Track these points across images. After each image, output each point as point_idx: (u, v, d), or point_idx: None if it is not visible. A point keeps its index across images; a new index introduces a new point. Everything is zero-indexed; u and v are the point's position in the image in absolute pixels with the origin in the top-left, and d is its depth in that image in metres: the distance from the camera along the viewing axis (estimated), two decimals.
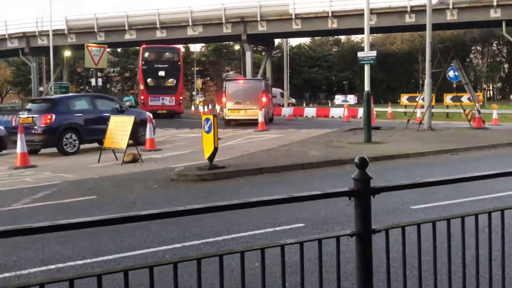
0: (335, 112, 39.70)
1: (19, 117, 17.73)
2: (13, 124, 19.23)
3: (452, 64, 24.10)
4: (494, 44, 73.97)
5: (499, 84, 76.60)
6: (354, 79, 70.25)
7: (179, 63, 42.69)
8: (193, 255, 2.51)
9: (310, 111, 42.43)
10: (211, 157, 11.49)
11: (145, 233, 6.54)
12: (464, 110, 24.62)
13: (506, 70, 73.52)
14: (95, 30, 51.21)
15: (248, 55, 50.94)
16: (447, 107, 34.19)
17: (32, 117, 16.94)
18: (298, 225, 6.79)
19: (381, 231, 2.93)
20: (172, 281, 2.41)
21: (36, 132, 16.59)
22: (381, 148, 15.04)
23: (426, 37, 21.92)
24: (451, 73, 24.65)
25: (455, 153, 14.73)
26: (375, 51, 18.33)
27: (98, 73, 26.83)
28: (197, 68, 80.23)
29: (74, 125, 17.02)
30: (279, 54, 71.07)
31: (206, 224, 6.87)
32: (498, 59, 75.75)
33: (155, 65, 41.46)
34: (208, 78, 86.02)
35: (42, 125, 16.58)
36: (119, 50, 75.70)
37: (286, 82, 58.95)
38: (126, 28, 50.91)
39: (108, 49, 31.64)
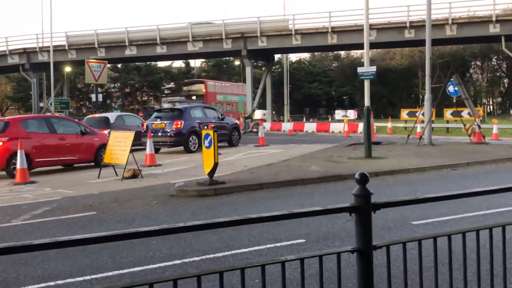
0: (335, 127, 39.73)
1: (152, 123, 21.33)
2: (144, 129, 21.31)
3: (452, 79, 24.19)
4: (493, 59, 74.21)
5: (499, 99, 76.76)
6: (354, 94, 70.42)
7: None
8: (193, 272, 2.50)
9: (310, 126, 42.47)
10: (211, 173, 11.48)
11: (145, 249, 6.51)
12: (464, 125, 24.65)
13: (506, 85, 73.72)
14: (96, 46, 51.45)
15: (248, 70, 51.12)
16: (447, 122, 34.24)
17: (165, 123, 21.01)
18: (298, 241, 6.76)
19: (382, 247, 2.92)
20: None
21: (169, 135, 20.81)
22: (382, 163, 15.03)
23: (426, 52, 22.01)
24: (451, 88, 24.76)
25: (455, 168, 14.72)
26: (375, 66, 18.39)
27: (99, 88, 26.92)
28: None
29: (195, 129, 20.83)
30: (279, 70, 71.33)
31: (206, 240, 6.85)
32: (498, 74, 75.97)
33: None
34: None
35: (174, 129, 20.76)
36: (119, 65, 75.97)
37: (286, 97, 59.11)
38: (127, 44, 51.14)
39: (109, 65, 31.79)
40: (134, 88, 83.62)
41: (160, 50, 51.20)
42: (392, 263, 2.97)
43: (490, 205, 8.16)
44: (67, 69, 57.54)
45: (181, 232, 2.47)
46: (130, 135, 14.21)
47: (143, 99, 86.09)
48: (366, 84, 17.75)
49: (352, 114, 48.08)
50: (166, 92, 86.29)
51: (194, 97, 51.45)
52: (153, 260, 6.09)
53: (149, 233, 2.48)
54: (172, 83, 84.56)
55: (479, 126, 23.11)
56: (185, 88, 58.10)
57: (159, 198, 10.72)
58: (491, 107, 75.13)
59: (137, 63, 72.68)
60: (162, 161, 17.53)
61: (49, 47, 46.95)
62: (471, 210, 7.99)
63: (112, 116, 24.30)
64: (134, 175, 13.77)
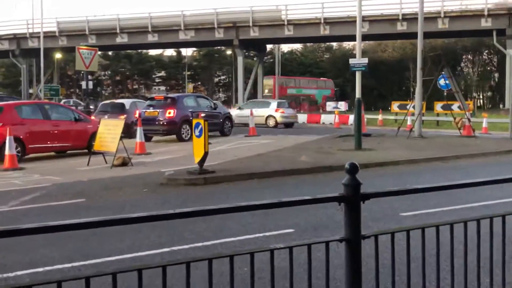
0: (326, 118, 39.76)
1: (145, 111, 21.17)
2: (135, 117, 20.98)
3: (443, 73, 24.28)
4: (484, 53, 74.50)
5: (489, 93, 77.12)
6: (345, 86, 70.46)
7: None
8: (182, 259, 2.50)
9: (301, 117, 42.47)
10: (201, 162, 11.46)
11: (133, 237, 6.51)
12: (455, 118, 24.77)
13: (497, 79, 74.00)
14: (87, 32, 51.09)
15: (240, 60, 51.01)
16: (438, 115, 34.37)
17: (157, 111, 20.94)
18: (287, 231, 6.78)
19: (370, 237, 2.93)
20: (160, 285, 2.40)
21: (161, 123, 20.75)
22: (372, 155, 15.08)
23: (418, 45, 22.04)
24: (442, 82, 24.87)
25: (445, 161, 14.80)
26: (367, 58, 18.39)
27: (89, 76, 26.72)
28: (189, 73, 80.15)
29: (188, 118, 20.38)
30: (271, 60, 71.14)
31: (195, 228, 6.85)
32: (488, 68, 76.28)
33: None
34: (199, 83, 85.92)
35: (166, 118, 20.66)
36: (110, 53, 75.48)
37: (278, 88, 59.02)
38: (118, 31, 50.83)
39: (99, 52, 31.59)
40: (125, 76, 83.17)
41: (151, 38, 50.94)
42: (380, 254, 2.99)
43: (478, 198, 8.22)
44: (58, 55, 57.12)
45: (170, 219, 2.47)
46: (120, 122, 14.15)
47: (134, 87, 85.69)
48: (358, 76, 17.77)
49: (343, 105, 48.14)
50: (157, 80, 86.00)
51: (266, 91, 55.65)
52: (142, 248, 6.08)
53: (137, 219, 2.47)
54: (163, 72, 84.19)
55: (469, 120, 23.24)
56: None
57: (149, 186, 10.71)
58: (481, 101, 75.50)
59: (128, 51, 72.25)
60: (152, 149, 17.48)
61: (39, 33, 46.65)
62: (459, 203, 8.05)
63: (127, 102, 24.69)
64: (124, 163, 13.73)
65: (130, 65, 78.71)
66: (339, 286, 4.35)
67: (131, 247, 6.12)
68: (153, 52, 79.79)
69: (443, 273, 3.29)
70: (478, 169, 13.51)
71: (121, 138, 13.63)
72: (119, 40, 51.77)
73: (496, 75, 73.09)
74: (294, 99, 55.68)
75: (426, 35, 25.14)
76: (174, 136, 21.10)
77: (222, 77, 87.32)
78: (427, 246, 3.13)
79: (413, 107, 23.41)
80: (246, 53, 56.49)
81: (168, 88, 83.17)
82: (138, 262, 5.50)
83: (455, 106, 29.24)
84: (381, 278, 3.03)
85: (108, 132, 14.11)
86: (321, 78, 64.94)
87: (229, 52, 71.31)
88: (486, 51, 73.34)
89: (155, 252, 5.93)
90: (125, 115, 20.43)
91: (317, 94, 60.74)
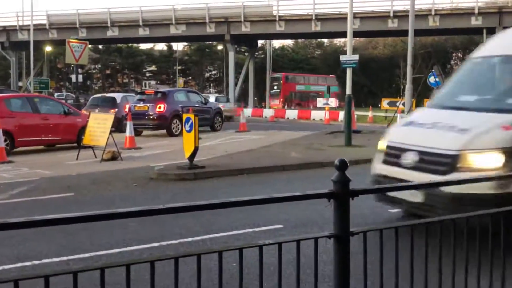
0: (316, 114, 39.85)
1: (134, 106, 21.12)
2: (126, 111, 20.97)
3: (433, 70, 24.37)
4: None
5: None
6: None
7: None
8: (170, 254, 2.50)
9: (291, 113, 42.55)
10: (192, 157, 11.44)
11: (122, 231, 6.49)
12: None
13: None
14: (77, 26, 50.73)
15: (231, 55, 50.92)
16: None
17: (147, 106, 20.94)
18: (277, 226, 6.80)
19: (359, 233, 2.94)
20: (149, 280, 2.39)
21: (151, 118, 20.68)
22: (361, 152, 15.11)
23: (408, 42, 22.10)
24: (431, 79, 24.93)
25: None
26: (357, 55, 18.43)
27: (79, 69, 26.59)
28: (179, 67, 79.93)
29: (178, 112, 20.14)
30: (262, 55, 71.08)
31: (184, 223, 6.84)
32: None
33: None
34: (190, 78, 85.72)
35: (156, 112, 20.62)
36: (100, 46, 75.06)
37: (269, 84, 59.01)
38: (109, 24, 50.51)
39: (90, 46, 31.40)
40: (115, 69, 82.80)
41: (142, 32, 50.68)
42: (368, 251, 3.00)
43: None
44: (48, 48, 56.68)
45: (159, 214, 2.46)
46: (110, 116, 14.10)
47: (124, 81, 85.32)
48: (348, 72, 17.79)
49: (333, 102, 48.23)
50: (147, 75, 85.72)
51: (275, 87, 57.51)
52: (130, 243, 6.07)
53: (127, 214, 2.46)
54: (154, 66, 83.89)
55: None
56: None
57: (138, 181, 10.68)
58: None
59: (119, 44, 71.90)
60: (142, 144, 17.43)
61: (29, 25, 46.25)
62: None
63: (118, 96, 24.72)
64: (114, 157, 13.68)
65: (120, 58, 78.38)
66: (328, 282, 4.37)
67: (120, 242, 6.10)
68: (144, 46, 79.48)
69: (430, 270, 3.31)
70: None
71: (111, 132, 13.57)
72: (109, 33, 51.45)
73: None
74: (302, 95, 58.29)
75: (417, 32, 25.20)
76: (164, 131, 21.04)
77: (213, 72, 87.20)
78: (415, 243, 3.15)
79: (403, 104, 23.51)
80: (238, 48, 56.42)
81: (158, 82, 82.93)
82: (127, 257, 5.49)
83: None
84: (369, 275, 3.04)
85: (98, 126, 14.04)
86: (330, 75, 65.60)
87: (220, 47, 71.20)
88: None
89: (144, 247, 5.92)
90: (115, 109, 20.50)
91: (326, 91, 62.20)
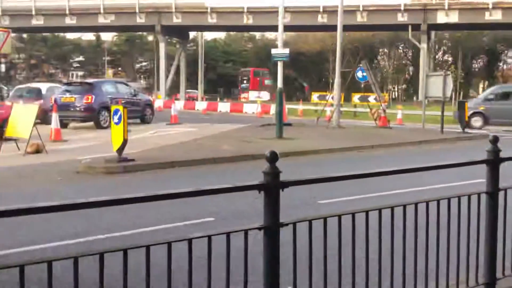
0: (248, 108, 39.97)
1: (61, 97, 20.36)
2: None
3: (360, 65, 24.99)
4: (400, 47, 77.39)
5: (404, 86, 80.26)
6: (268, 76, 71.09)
7: None
8: (96, 249, 2.41)
9: (224, 106, 42.49)
10: (120, 150, 11.18)
11: (46, 227, 6.25)
12: (371, 110, 25.60)
13: (411, 73, 77.16)
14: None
15: (162, 47, 50.18)
16: (355, 106, 35.38)
17: (74, 97, 20.36)
18: (208, 219, 6.76)
19: (288, 224, 2.95)
20: (72, 277, 2.30)
21: (78, 109, 20.21)
22: (292, 144, 15.31)
23: (337, 37, 22.56)
24: (359, 74, 25.58)
25: (361, 150, 15.27)
26: (288, 49, 18.62)
27: (2, 59, 25.45)
28: (108, 58, 78.00)
29: (107, 104, 19.32)
30: (194, 48, 70.50)
31: (112, 218, 6.67)
32: (403, 62, 79.32)
33: None
34: (119, 69, 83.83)
35: (84, 104, 20.13)
36: (25, 35, 72.01)
37: (201, 76, 58.64)
38: (33, 13, 48.53)
39: (13, 34, 30.10)
40: (41, 60, 79.73)
41: (69, 21, 49.03)
42: (298, 242, 3.02)
43: (392, 186, 8.53)
44: None
45: (83, 208, 2.36)
46: (34, 108, 13.58)
47: (50, 71, 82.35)
48: (280, 66, 17.95)
49: (265, 95, 48.56)
50: (75, 65, 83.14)
51: (245, 81, 62.46)
52: (55, 238, 5.85)
53: (49, 208, 2.35)
54: (81, 56, 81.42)
55: (384, 111, 24.08)
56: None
57: (64, 174, 10.33)
58: (396, 93, 78.45)
59: (44, 34, 69.29)
60: (69, 136, 16.90)
61: None
62: (374, 191, 8.31)
63: (44, 87, 23.78)
64: (38, 150, 13.18)
65: (46, 48, 75.53)
66: (258, 273, 4.37)
67: (44, 238, 5.87)
68: (71, 36, 76.90)
69: (358, 260, 3.37)
70: (391, 158, 14.04)
71: (35, 124, 13.07)
72: (34, 22, 49.46)
73: (411, 68, 76.24)
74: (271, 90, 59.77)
75: (346, 28, 25.74)
76: (92, 123, 20.48)
77: (144, 64, 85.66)
78: (343, 233, 3.20)
79: (332, 98, 24.00)
80: (169, 40, 55.61)
81: (86, 73, 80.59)
82: (51, 253, 5.29)
83: (371, 97, 30.23)
84: (298, 265, 3.06)
85: (21, 117, 13.49)
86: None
87: (151, 38, 69.99)
88: (401, 45, 76.21)
89: (69, 242, 5.73)
90: (41, 101, 19.81)
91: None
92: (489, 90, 27.42)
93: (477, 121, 24.03)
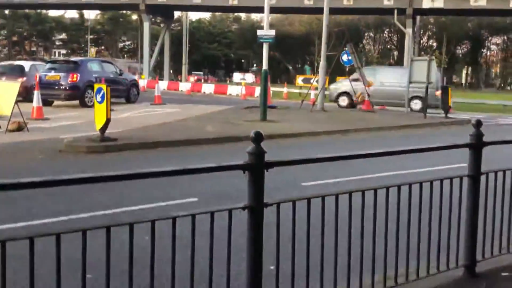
0: (233, 89, 39.86)
1: (45, 75, 20.19)
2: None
3: (346, 48, 24.96)
4: (386, 32, 77.57)
5: None
6: (252, 58, 70.86)
7: None
8: (78, 226, 2.39)
9: (208, 88, 42.30)
10: (103, 129, 11.08)
11: (28, 204, 6.19)
12: (355, 94, 25.64)
13: (396, 57, 77.46)
14: None
15: (146, 26, 49.68)
16: None
17: (59, 75, 20.10)
18: (191, 200, 6.75)
19: (273, 204, 2.96)
20: (54, 254, 2.28)
21: (63, 88, 20.02)
22: (276, 127, 15.31)
23: (323, 20, 22.49)
24: (344, 57, 25.55)
25: (345, 134, 15.33)
26: (274, 30, 18.52)
27: None
28: (91, 36, 77.04)
29: (92, 83, 18.66)
30: (178, 28, 69.93)
31: (94, 197, 6.63)
32: (388, 46, 79.61)
33: None
34: (102, 48, 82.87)
35: (69, 82, 19.91)
36: (6, 12, 70.73)
37: (185, 56, 58.23)
38: None
39: None
40: (23, 37, 78.53)
41: None
42: (282, 223, 3.03)
43: (375, 169, 8.58)
44: None
45: (66, 185, 2.34)
46: (16, 85, 13.38)
47: (32, 49, 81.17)
48: (265, 47, 17.86)
49: (250, 77, 48.44)
50: (57, 43, 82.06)
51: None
52: (37, 216, 5.80)
53: (31, 184, 2.32)
54: (64, 34, 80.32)
55: (368, 95, 24.15)
56: None
57: (46, 153, 10.22)
58: None
59: (27, 10, 68.13)
60: (52, 115, 16.71)
61: None
62: (357, 174, 8.36)
63: (27, 64, 23.49)
64: (20, 128, 13.02)
65: (28, 25, 74.35)
66: (241, 254, 4.39)
67: (26, 215, 5.82)
68: (53, 13, 75.77)
69: (341, 240, 3.40)
70: (375, 142, 14.11)
71: (17, 101, 12.89)
72: None
73: (396, 53, 76.50)
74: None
75: (332, 11, 25.69)
76: (77, 102, 20.30)
77: (127, 43, 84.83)
78: (326, 215, 3.21)
79: (317, 81, 23.99)
80: (153, 19, 55.12)
81: (69, 51, 79.57)
82: (33, 231, 5.25)
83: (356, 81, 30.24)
84: (281, 246, 3.07)
85: (3, 95, 13.28)
86: None
87: (135, 17, 69.26)
88: (387, 30, 76.37)
89: (52, 220, 5.68)
90: (24, 78, 19.62)
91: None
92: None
93: (344, 100, 26.84)
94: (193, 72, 56.51)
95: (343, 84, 27.27)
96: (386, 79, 26.15)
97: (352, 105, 25.91)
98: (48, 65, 21.97)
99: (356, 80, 24.79)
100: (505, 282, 4.01)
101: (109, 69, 22.42)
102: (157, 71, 54.73)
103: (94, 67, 21.55)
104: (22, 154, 10.03)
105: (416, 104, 24.79)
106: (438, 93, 23.03)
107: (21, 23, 73.81)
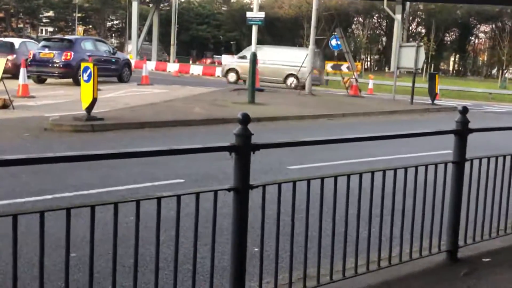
0: (221, 71, 39.61)
1: (39, 52, 20.01)
2: (29, 58, 19.85)
3: (335, 33, 24.92)
4: (375, 17, 77.40)
5: (376, 56, 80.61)
6: (241, 40, 70.44)
7: None
8: (62, 205, 2.37)
9: (196, 69, 42.03)
10: (89, 108, 10.98)
11: (13, 182, 6.14)
12: (343, 78, 25.66)
13: (384, 43, 77.43)
14: None
15: (135, 5, 49.15)
16: (327, 74, 35.38)
17: (53, 53, 19.88)
18: (177, 181, 6.74)
19: (258, 186, 2.96)
20: (38, 232, 2.27)
21: (57, 65, 19.74)
22: (264, 110, 15.29)
23: (313, 3, 22.39)
24: (333, 42, 25.51)
25: (331, 118, 15.36)
26: (264, 13, 18.42)
27: None
28: (79, 15, 76.03)
29: (85, 61, 17.97)
30: (167, 8, 69.18)
31: (80, 176, 6.60)
32: (377, 31, 79.50)
33: None
34: (90, 26, 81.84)
35: (63, 60, 19.68)
36: None
37: (173, 37, 57.68)
38: None
39: None
40: (9, 13, 77.27)
41: None
42: (267, 205, 3.04)
43: (361, 154, 8.63)
44: None
45: (50, 163, 2.32)
46: (1, 61, 13.18)
47: (19, 26, 80.00)
48: (254, 29, 17.77)
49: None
50: (44, 21, 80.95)
51: None
52: (22, 194, 5.77)
53: (14, 161, 2.30)
54: (51, 12, 79.18)
55: (356, 80, 24.18)
56: None
57: (31, 131, 10.14)
58: (369, 63, 78.77)
59: None
60: (40, 93, 16.58)
61: None
62: (343, 158, 8.40)
63: (17, 41, 23.22)
64: (5, 106, 12.88)
65: (15, 2, 73.11)
66: (226, 235, 4.40)
67: (10, 193, 5.78)
68: None
69: (325, 223, 3.42)
70: (362, 126, 14.17)
71: (2, 78, 12.73)
72: None
73: (384, 39, 76.49)
74: None
75: None
76: (70, 80, 20.16)
77: (115, 22, 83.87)
78: (311, 198, 3.22)
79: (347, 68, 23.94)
80: None
81: (56, 29, 78.54)
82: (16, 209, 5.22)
83: (344, 66, 30.27)
84: (266, 228, 3.09)
85: None
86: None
87: None
88: (376, 15, 76.21)
89: (36, 199, 5.65)
90: (14, 55, 19.56)
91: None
92: (244, 50, 30.24)
93: (232, 76, 28.72)
94: (212, 55, 56.89)
95: (231, 62, 30.58)
96: (269, 57, 26.81)
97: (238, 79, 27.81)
98: (42, 43, 21.80)
99: (242, 58, 27.06)
100: (486, 267, 4.07)
101: (103, 48, 22.33)
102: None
103: (88, 46, 21.44)
104: (7, 132, 9.94)
105: (293, 82, 26.39)
106: (316, 71, 24.12)
107: (7, 0, 72.67)
